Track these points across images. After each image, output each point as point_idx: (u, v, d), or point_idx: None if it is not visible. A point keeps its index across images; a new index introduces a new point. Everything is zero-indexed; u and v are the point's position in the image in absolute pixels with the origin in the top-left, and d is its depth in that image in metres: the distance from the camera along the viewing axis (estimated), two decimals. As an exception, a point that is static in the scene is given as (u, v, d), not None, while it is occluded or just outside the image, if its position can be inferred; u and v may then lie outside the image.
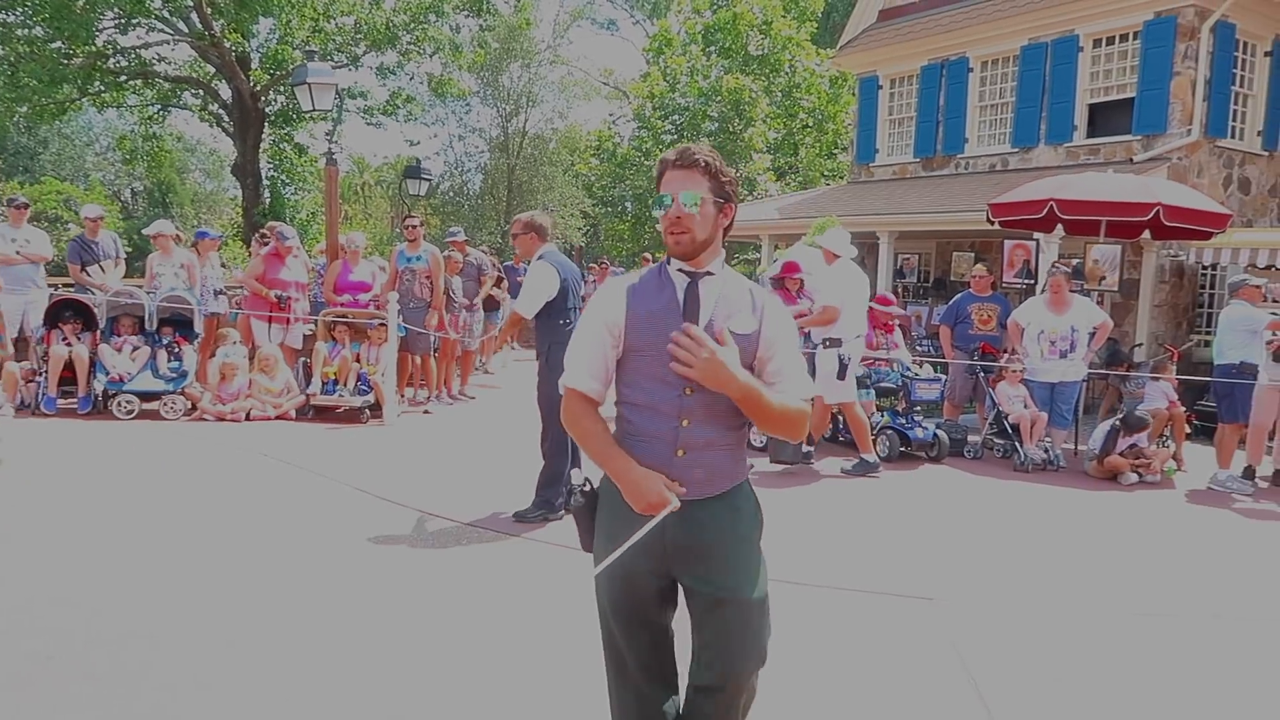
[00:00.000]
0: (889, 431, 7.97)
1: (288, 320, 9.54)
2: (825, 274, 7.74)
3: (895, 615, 4.37)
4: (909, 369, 8.38)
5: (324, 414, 8.99)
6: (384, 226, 37.09)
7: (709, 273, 2.36)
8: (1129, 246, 10.54)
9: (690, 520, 2.32)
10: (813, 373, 7.62)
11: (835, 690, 3.57)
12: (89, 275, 9.59)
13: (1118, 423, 7.54)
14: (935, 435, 7.97)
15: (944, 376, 8.66)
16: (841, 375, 7.34)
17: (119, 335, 8.81)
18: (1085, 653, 4.01)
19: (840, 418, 8.53)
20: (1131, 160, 12.12)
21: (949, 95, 14.79)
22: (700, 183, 2.30)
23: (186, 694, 3.33)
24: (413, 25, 22.86)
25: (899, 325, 9.14)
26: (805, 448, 7.69)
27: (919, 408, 8.19)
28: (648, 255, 21.08)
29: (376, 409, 8.90)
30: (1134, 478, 7.44)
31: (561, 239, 34.85)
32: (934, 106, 15.04)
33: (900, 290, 14.56)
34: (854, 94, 18.50)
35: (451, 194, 40.37)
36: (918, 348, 10.33)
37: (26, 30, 20.00)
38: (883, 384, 8.26)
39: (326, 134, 16.95)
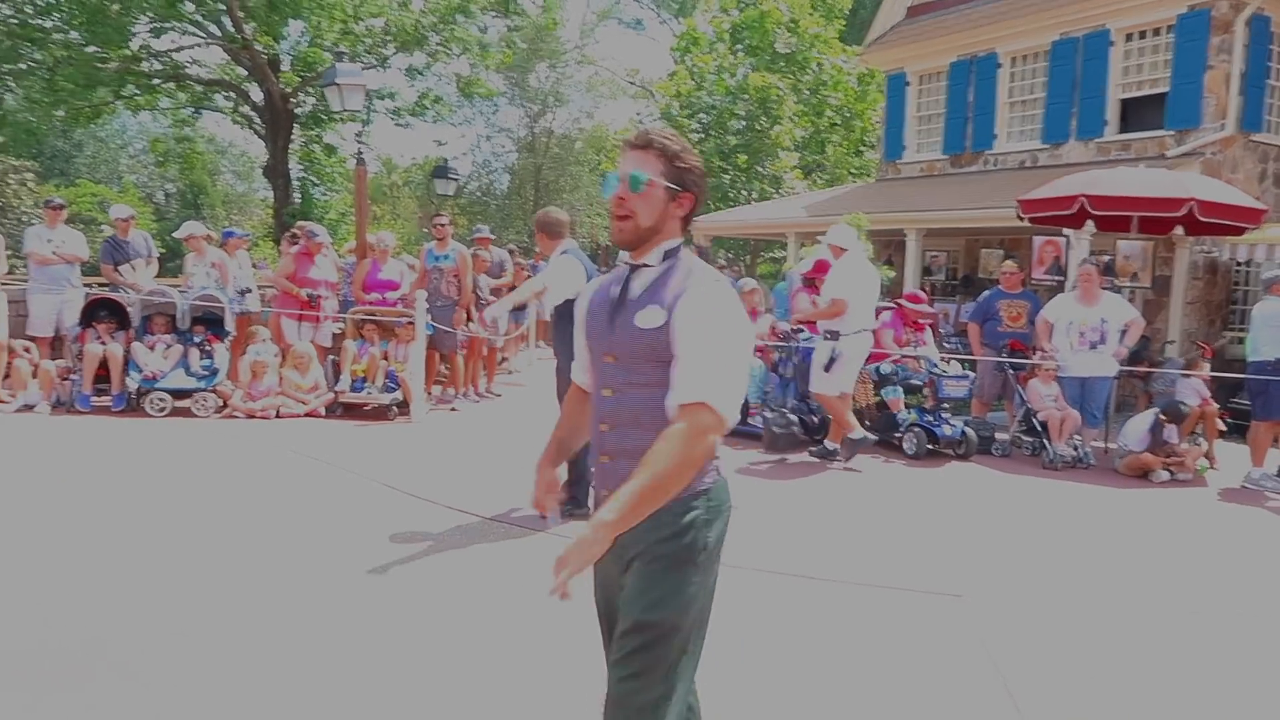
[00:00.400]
0: (916, 429, 7.92)
1: (318, 319, 9.64)
2: (833, 269, 7.77)
3: (923, 612, 4.34)
4: (936, 365, 8.33)
5: (352, 411, 9.07)
6: (412, 227, 37.32)
7: (646, 265, 2.19)
8: (1161, 243, 10.40)
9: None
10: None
11: (862, 687, 3.56)
12: (121, 274, 9.74)
13: (1160, 415, 7.44)
14: (963, 432, 7.91)
15: (972, 374, 8.60)
16: (828, 368, 7.38)
17: (152, 334, 8.94)
18: (1116, 651, 3.96)
19: (864, 414, 8.52)
20: (1164, 155, 11.96)
21: (978, 91, 14.66)
22: (653, 165, 2.15)
23: (218, 687, 3.38)
24: (441, 26, 23.01)
25: (929, 324, 9.06)
26: (831, 445, 7.68)
27: (947, 405, 8.14)
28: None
29: (404, 406, 8.97)
30: (1165, 475, 7.35)
31: (588, 239, 34.90)
32: (963, 103, 14.91)
33: (928, 288, 14.45)
34: (882, 91, 18.39)
35: (479, 194, 40.55)
36: (945, 345, 10.24)
37: (63, 35, 20.33)
38: (910, 381, 8.22)
39: (356, 135, 17.10)
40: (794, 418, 8.05)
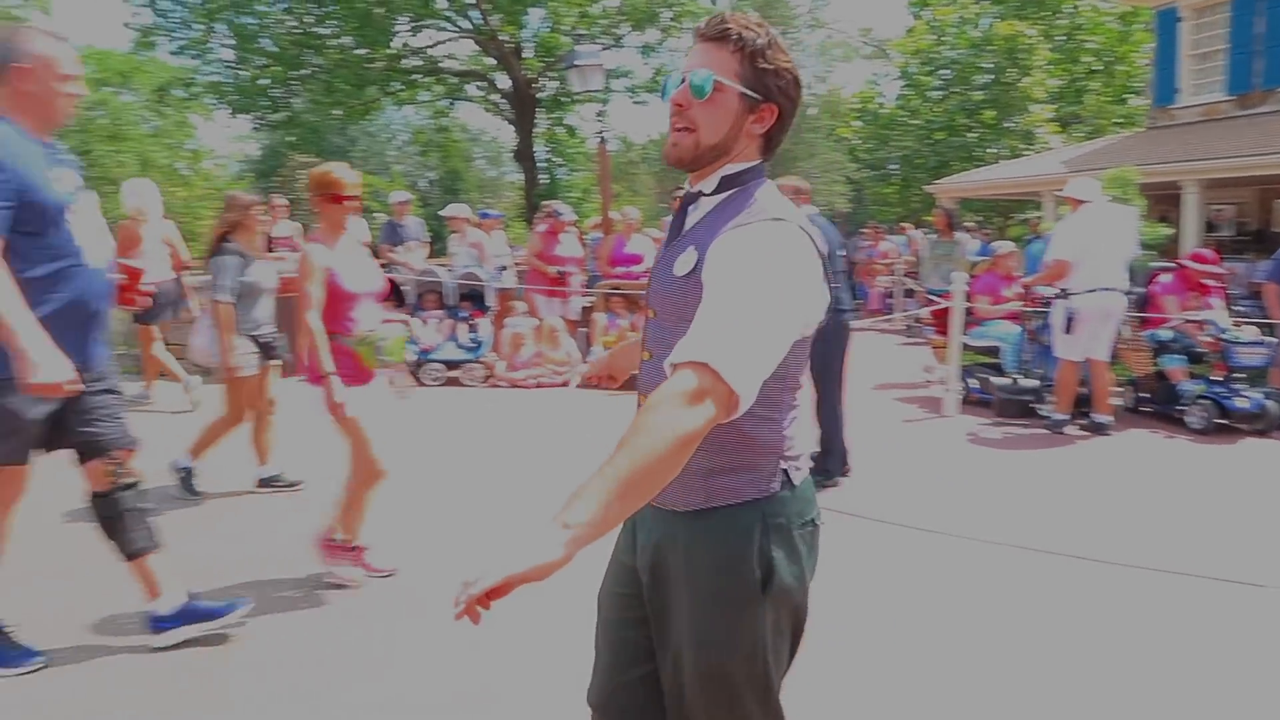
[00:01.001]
0: (1203, 401, 7.21)
1: (566, 294, 10.10)
2: (1062, 224, 7.24)
3: (1220, 601, 3.99)
4: (1224, 331, 7.52)
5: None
6: (650, 202, 38.17)
7: (701, 193, 1.72)
8: None
9: (654, 531, 1.75)
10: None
11: (1165, 677, 3.33)
12: (395, 255, 10.64)
13: None
14: (1261, 405, 7.11)
15: (1271, 340, 7.69)
16: (1067, 329, 6.97)
17: (425, 310, 9.74)
18: None
19: (1140, 384, 7.87)
20: None
21: (1269, 20, 13.01)
22: (727, 64, 1.62)
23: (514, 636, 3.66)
24: (672, 1, 23.30)
25: (1218, 286, 8.17)
26: (1103, 418, 7.16)
27: (1241, 375, 7.34)
28: (905, 224, 20.14)
29: (652, 377, 9.23)
30: None
31: (826, 205, 34.29)
32: (1248, 36, 13.31)
33: (1214, 246, 13.07)
34: (1149, 30, 16.77)
35: (713, 166, 40.74)
36: (1234, 308, 9.21)
37: (336, 40, 22.42)
38: (1193, 349, 7.50)
39: (597, 114, 17.67)
40: (1028, 384, 7.80)
